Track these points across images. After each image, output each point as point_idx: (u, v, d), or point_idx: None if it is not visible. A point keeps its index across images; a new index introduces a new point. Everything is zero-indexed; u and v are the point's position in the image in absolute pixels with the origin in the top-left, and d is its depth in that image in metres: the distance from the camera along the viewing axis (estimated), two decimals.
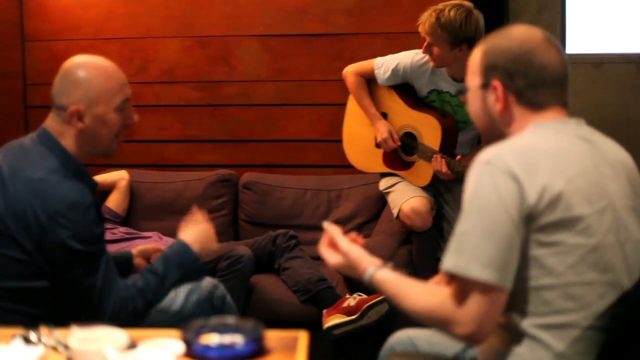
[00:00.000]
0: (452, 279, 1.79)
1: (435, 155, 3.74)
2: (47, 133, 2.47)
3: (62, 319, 2.38)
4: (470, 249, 1.74)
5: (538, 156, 1.80)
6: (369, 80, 4.11)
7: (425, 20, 3.67)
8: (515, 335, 1.84)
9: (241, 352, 1.85)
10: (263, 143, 4.95)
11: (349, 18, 4.78)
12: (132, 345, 1.77)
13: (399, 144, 3.95)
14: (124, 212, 4.64)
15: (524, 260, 1.78)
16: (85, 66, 2.47)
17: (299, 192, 4.65)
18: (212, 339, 1.90)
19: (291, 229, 4.39)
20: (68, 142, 2.45)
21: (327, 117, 4.42)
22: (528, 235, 1.77)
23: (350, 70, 4.14)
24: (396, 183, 4.03)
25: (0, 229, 2.34)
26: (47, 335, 1.92)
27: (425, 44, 3.73)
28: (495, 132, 2.00)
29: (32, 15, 5.06)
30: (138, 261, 3.04)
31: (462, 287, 1.76)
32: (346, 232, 4.31)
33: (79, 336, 1.78)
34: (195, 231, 2.76)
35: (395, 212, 3.94)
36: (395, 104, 4.05)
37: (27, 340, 1.89)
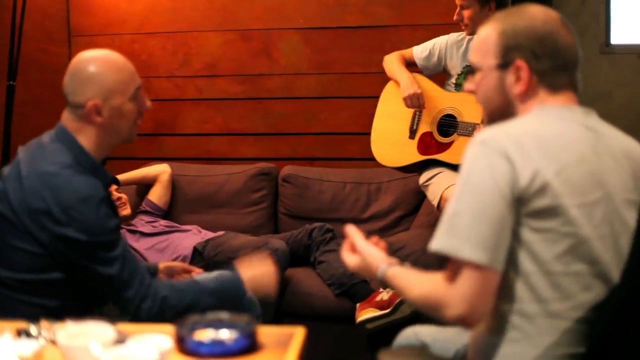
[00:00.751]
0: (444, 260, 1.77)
1: (478, 126, 3.73)
2: (64, 130, 2.49)
3: (77, 311, 2.42)
4: (462, 229, 1.71)
5: (534, 140, 1.77)
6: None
7: None
8: (501, 323, 1.82)
9: (233, 348, 1.84)
10: (304, 136, 4.96)
11: (389, 10, 4.74)
12: (121, 341, 1.78)
13: (420, 90, 3.95)
14: (165, 205, 4.69)
15: (515, 243, 1.76)
16: (95, 61, 2.48)
17: (338, 186, 4.63)
18: (205, 335, 1.90)
19: (330, 222, 4.39)
20: (87, 138, 2.47)
21: (367, 110, 4.38)
22: (519, 219, 1.74)
23: (390, 54, 4.21)
24: (435, 175, 3.98)
25: (16, 223, 2.37)
26: (47, 329, 1.94)
27: (457, 10, 3.83)
28: (507, 114, 1.96)
29: (78, 11, 5.15)
30: (161, 277, 3.07)
31: (454, 268, 1.74)
32: (385, 225, 4.38)
33: (69, 331, 1.79)
34: (255, 271, 2.75)
35: (435, 202, 3.89)
36: (433, 92, 4.04)
37: (27, 334, 1.92)
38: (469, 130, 3.80)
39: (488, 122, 2.04)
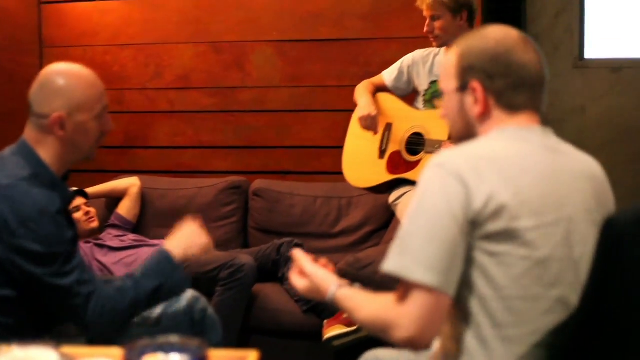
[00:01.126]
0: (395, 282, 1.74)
1: (443, 143, 3.69)
2: (24, 143, 2.46)
3: (33, 331, 2.38)
4: (413, 250, 1.69)
5: (490, 163, 1.75)
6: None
7: None
8: (460, 348, 1.78)
9: None
10: (276, 149, 4.91)
11: (363, 23, 4.72)
12: None
13: (375, 112, 3.89)
14: (134, 219, 4.64)
15: (470, 268, 1.73)
16: (66, 74, 2.46)
17: (309, 200, 4.59)
18: (155, 359, 1.85)
19: (301, 237, 4.36)
20: (47, 150, 2.44)
21: (341, 123, 4.34)
22: (474, 242, 1.71)
23: (361, 82, 4.15)
24: (403, 194, 3.95)
25: None
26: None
27: (427, 22, 3.78)
28: (470, 136, 1.93)
29: (50, 21, 5.11)
30: None
31: (404, 289, 1.71)
32: (355, 240, 4.35)
33: (13, 356, 1.74)
34: (179, 237, 2.67)
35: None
36: (401, 111, 4.01)
37: None
38: (436, 147, 3.76)
39: (455, 144, 2.02)
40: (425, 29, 3.80)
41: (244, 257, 3.90)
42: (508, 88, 1.85)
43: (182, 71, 4.96)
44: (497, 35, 1.88)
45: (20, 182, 2.33)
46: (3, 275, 2.34)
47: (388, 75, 4.05)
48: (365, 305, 1.85)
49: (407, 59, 4.03)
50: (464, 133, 1.95)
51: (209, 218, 4.58)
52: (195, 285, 3.90)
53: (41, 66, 5.08)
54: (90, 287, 2.36)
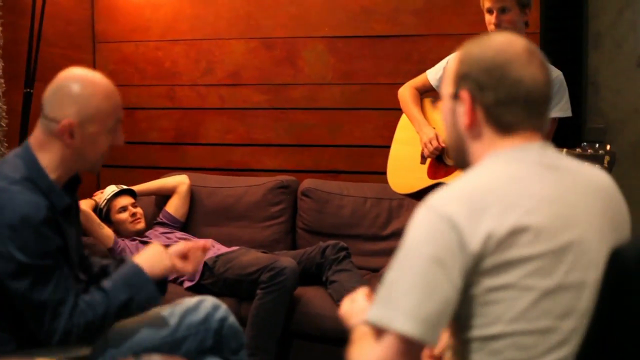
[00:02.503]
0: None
1: None
2: (26, 146, 2.41)
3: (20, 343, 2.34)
4: (396, 299, 1.57)
5: (487, 196, 1.60)
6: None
7: None
8: None
9: None
10: (328, 148, 4.82)
11: (416, 19, 4.58)
12: None
13: (442, 145, 3.75)
14: (183, 217, 4.60)
15: (471, 308, 1.60)
16: (84, 81, 2.39)
17: (359, 201, 4.49)
18: None
19: (349, 238, 4.28)
20: (50, 155, 2.39)
21: (393, 122, 4.21)
22: (474, 280, 1.58)
23: (403, 86, 4.01)
24: None
25: None
26: None
27: (494, 14, 3.52)
28: (461, 149, 1.81)
29: (103, 17, 5.11)
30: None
31: (376, 331, 1.60)
32: None
33: None
34: (145, 252, 2.61)
35: None
36: None
37: None
38: None
39: (452, 159, 1.90)
40: (493, 22, 3.53)
41: (286, 260, 3.82)
42: (498, 103, 1.71)
43: (233, 67, 4.90)
44: (499, 44, 1.74)
45: (13, 186, 2.29)
46: None
47: (432, 75, 3.90)
48: (359, 344, 1.75)
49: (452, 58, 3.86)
50: (455, 143, 1.83)
51: (256, 217, 4.56)
52: (236, 288, 3.89)
53: (94, 62, 5.09)
54: (63, 307, 2.29)
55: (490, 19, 3.53)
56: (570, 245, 1.61)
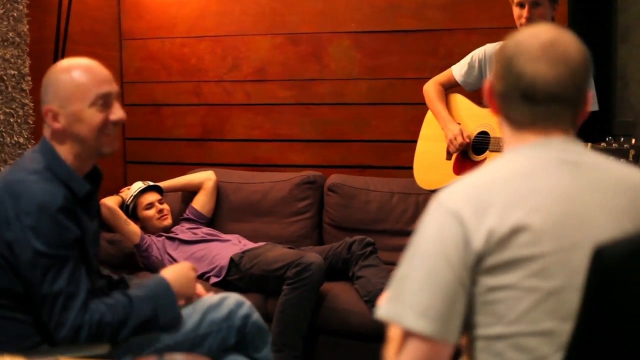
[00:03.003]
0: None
1: None
2: (43, 140, 2.45)
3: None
4: (407, 295, 1.56)
5: (494, 192, 1.58)
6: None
7: None
8: None
9: None
10: (354, 143, 4.80)
11: (443, 13, 4.55)
12: None
13: (467, 140, 3.73)
14: (209, 213, 4.61)
15: (473, 307, 1.58)
16: (59, 68, 2.44)
17: (385, 196, 4.46)
18: None
19: (376, 234, 4.26)
20: (59, 146, 2.42)
21: (420, 117, 4.19)
22: (476, 279, 1.56)
23: (428, 82, 4.02)
24: None
25: None
26: None
27: (526, 8, 3.50)
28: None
29: (129, 14, 5.12)
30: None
31: (402, 339, 1.57)
32: None
33: None
34: (177, 270, 2.61)
35: None
36: (469, 110, 3.88)
37: None
38: (500, 145, 3.58)
39: None
40: (525, 15, 3.51)
41: (312, 256, 3.80)
42: (502, 95, 1.70)
43: (259, 63, 4.89)
44: (523, 36, 1.69)
45: (31, 176, 2.31)
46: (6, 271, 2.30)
47: (457, 70, 3.88)
48: (392, 346, 1.67)
49: (478, 53, 3.84)
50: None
51: (283, 213, 4.55)
52: (262, 284, 3.89)
53: (121, 59, 5.11)
54: (74, 300, 2.27)
55: (521, 12, 3.51)
56: (579, 245, 1.56)
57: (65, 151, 2.41)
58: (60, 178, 2.36)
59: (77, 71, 2.40)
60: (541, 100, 1.66)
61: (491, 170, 1.67)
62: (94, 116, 2.39)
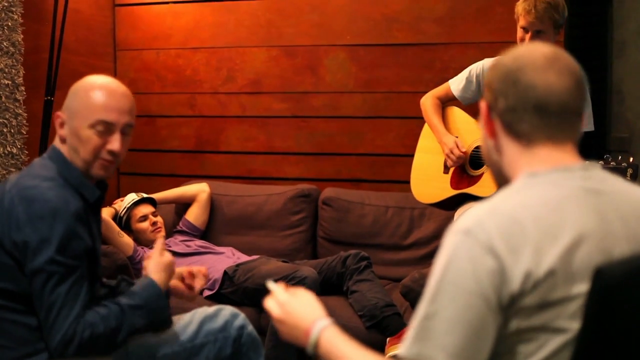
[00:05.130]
0: None
1: None
2: (53, 146, 2.49)
3: None
4: (436, 335, 1.45)
5: (526, 225, 1.48)
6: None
7: (535, 5, 3.46)
8: None
9: None
10: (349, 156, 4.79)
11: (439, 27, 4.55)
12: None
13: (463, 152, 3.72)
14: (202, 225, 4.58)
15: (499, 346, 1.48)
16: (87, 81, 2.47)
17: (380, 210, 4.46)
18: None
19: (371, 248, 4.25)
20: (67, 151, 2.46)
21: (415, 131, 4.18)
22: (507, 319, 1.47)
23: (425, 96, 4.01)
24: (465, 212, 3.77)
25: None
26: None
27: (529, 35, 3.48)
28: (495, 165, 1.72)
29: (124, 25, 5.11)
30: (174, 283, 2.93)
31: None
32: (427, 253, 4.19)
33: None
34: (157, 263, 2.59)
35: None
36: (467, 124, 3.87)
37: None
38: None
39: (492, 176, 1.80)
40: (527, 42, 3.46)
41: (307, 270, 3.78)
42: (508, 109, 1.61)
43: (254, 75, 4.88)
44: (520, 51, 1.65)
45: (44, 183, 2.32)
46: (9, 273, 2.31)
47: (455, 85, 3.87)
48: None
49: (476, 67, 3.82)
50: (489, 160, 1.74)
51: (277, 226, 4.53)
52: (256, 298, 3.86)
53: (115, 70, 5.08)
54: (69, 311, 2.26)
55: (524, 36, 3.50)
56: None
57: (74, 157, 2.44)
58: (72, 184, 2.39)
59: (97, 91, 2.42)
60: (554, 111, 1.60)
61: (514, 200, 1.55)
62: (90, 138, 2.40)
